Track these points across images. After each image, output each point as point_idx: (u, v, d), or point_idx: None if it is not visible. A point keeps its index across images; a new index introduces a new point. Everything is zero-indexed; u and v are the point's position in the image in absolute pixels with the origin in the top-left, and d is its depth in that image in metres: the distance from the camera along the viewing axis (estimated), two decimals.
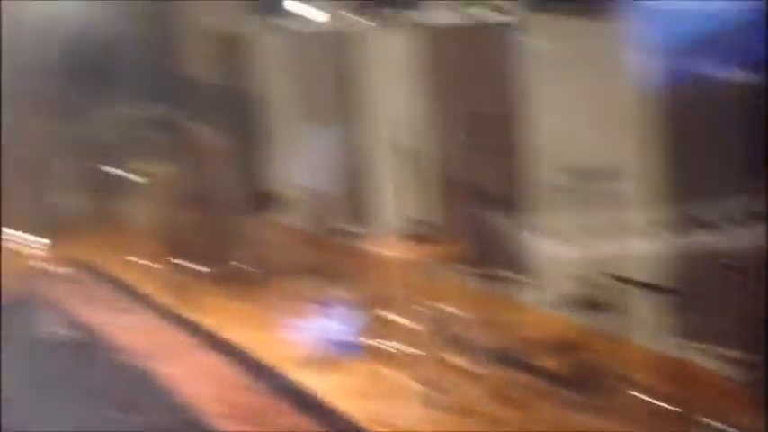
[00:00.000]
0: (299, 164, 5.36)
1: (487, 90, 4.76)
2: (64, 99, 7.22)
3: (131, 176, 6.75)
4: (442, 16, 4.80)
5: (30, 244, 6.56)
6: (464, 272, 4.51)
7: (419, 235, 4.22)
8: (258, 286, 5.39)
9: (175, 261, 5.51)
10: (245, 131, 6.96)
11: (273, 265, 5.58)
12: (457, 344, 4.12)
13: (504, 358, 4.04)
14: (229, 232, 5.69)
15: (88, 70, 7.19)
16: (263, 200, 5.96)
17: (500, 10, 4.42)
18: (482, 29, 4.56)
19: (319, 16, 6.29)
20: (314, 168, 5.06)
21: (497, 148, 4.69)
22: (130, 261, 6.13)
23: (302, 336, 4.43)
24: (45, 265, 6.12)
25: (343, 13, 6.02)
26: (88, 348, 4.80)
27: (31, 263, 6.28)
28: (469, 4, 4.52)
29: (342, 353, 4.29)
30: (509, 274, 4.72)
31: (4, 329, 4.76)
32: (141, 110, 6.58)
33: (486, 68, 4.78)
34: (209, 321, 4.96)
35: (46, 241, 6.57)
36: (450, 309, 4.26)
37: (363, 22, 5.79)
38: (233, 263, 5.57)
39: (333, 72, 6.10)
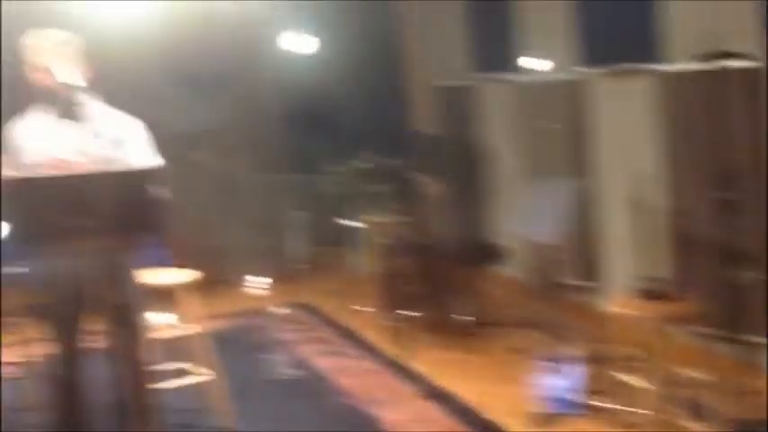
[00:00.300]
0: (524, 216, 5.26)
1: (734, 140, 4.45)
2: (295, 150, 7.57)
3: (354, 224, 6.99)
4: (684, 61, 4.58)
5: (255, 284, 6.90)
6: (703, 333, 4.22)
7: (653, 292, 4.00)
8: (477, 338, 5.33)
9: (394, 308, 5.57)
10: (469, 183, 6.99)
11: (493, 317, 5.51)
12: (692, 409, 3.83)
13: (746, 430, 3.69)
14: (449, 282, 5.68)
15: (317, 122, 7.52)
16: (484, 251, 5.93)
17: (745, 56, 4.16)
18: (728, 74, 4.29)
19: (546, 66, 6.26)
20: (539, 220, 4.94)
21: (745, 202, 4.36)
22: (350, 305, 6.28)
23: (523, 391, 4.30)
24: (269, 306, 6.41)
25: (571, 61, 5.95)
26: (313, 389, 4.91)
27: (257, 302, 6.59)
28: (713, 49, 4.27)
29: (565, 411, 4.11)
30: (756, 338, 4.34)
31: (231, 364, 4.96)
32: (366, 161, 6.77)
33: (732, 116, 4.48)
34: (426, 370, 4.94)
35: (269, 281, 6.90)
36: (685, 371, 3.98)
37: (593, 70, 5.67)
38: (452, 313, 5.55)
39: (561, 123, 5.99)
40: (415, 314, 5.50)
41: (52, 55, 3.29)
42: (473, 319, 5.47)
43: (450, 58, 7.52)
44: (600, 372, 4.31)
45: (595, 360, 4.39)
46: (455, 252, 5.76)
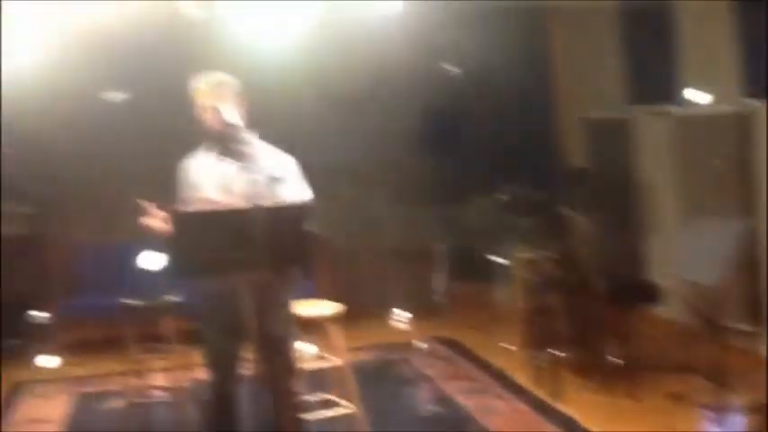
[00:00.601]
0: (684, 255, 4.99)
1: None
2: (439, 180, 7.53)
3: (500, 260, 6.86)
4: None
5: (398, 317, 6.90)
6: None
7: None
8: (630, 381, 5.07)
9: (541, 347, 5.39)
10: (622, 218, 6.73)
11: (649, 360, 5.23)
12: None
13: None
14: (600, 322, 5.46)
15: (462, 151, 7.45)
16: (639, 290, 5.65)
17: None
18: None
19: (707, 98, 5.96)
20: (701, 260, 4.67)
21: None
22: (495, 342, 6.13)
23: None
24: (412, 340, 6.38)
25: (734, 92, 5.65)
26: (456, 427, 4.80)
27: (400, 336, 6.58)
28: None
29: None
30: None
31: (373, 398, 4.93)
32: (512, 193, 6.64)
33: None
34: (575, 413, 4.74)
35: (411, 315, 6.87)
36: None
37: (756, 102, 5.36)
38: (603, 354, 5.31)
39: (726, 157, 5.67)
40: (564, 354, 5.30)
41: (217, 97, 3.52)
42: (626, 361, 5.22)
43: (605, 89, 7.30)
44: (764, 422, 3.99)
45: (759, 409, 4.09)
46: (607, 290, 5.52)
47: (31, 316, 6.42)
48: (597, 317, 5.44)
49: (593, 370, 5.24)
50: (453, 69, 6.78)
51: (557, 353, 5.32)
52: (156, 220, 3.35)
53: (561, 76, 7.63)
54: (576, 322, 5.49)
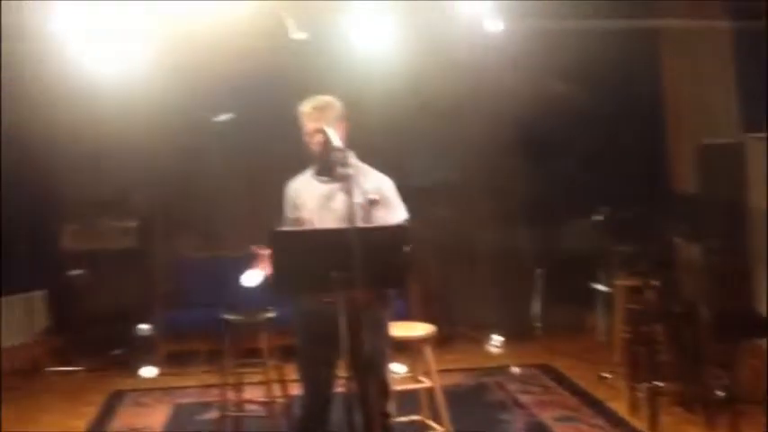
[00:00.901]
0: None
1: None
2: (540, 202, 7.42)
3: (601, 287, 6.69)
4: None
5: (492, 341, 6.81)
6: None
7: None
8: (735, 415, 4.85)
9: (641, 377, 5.22)
10: (732, 248, 6.44)
11: (750, 394, 4.98)
12: None
13: None
14: (704, 354, 5.25)
15: (567, 173, 7.31)
16: (747, 322, 5.41)
17: None
18: None
19: None
20: None
21: None
22: (592, 370, 6.01)
23: None
24: (506, 364, 6.28)
25: None
26: None
27: (493, 359, 6.50)
28: None
29: None
30: None
31: (464, 421, 4.87)
32: (617, 218, 6.48)
33: None
34: None
35: (503, 339, 6.77)
36: None
37: None
38: (707, 387, 5.10)
39: None
40: (665, 386, 5.11)
41: (320, 120, 3.61)
42: (729, 394, 4.99)
43: (720, 114, 7.01)
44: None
45: None
46: (712, 321, 5.31)
47: (134, 327, 6.63)
48: (701, 348, 5.24)
49: (694, 402, 5.05)
50: (558, 88, 6.66)
51: (657, 383, 5.14)
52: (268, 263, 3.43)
53: (673, 98, 7.39)
54: (679, 352, 5.30)
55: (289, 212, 3.78)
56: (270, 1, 5.27)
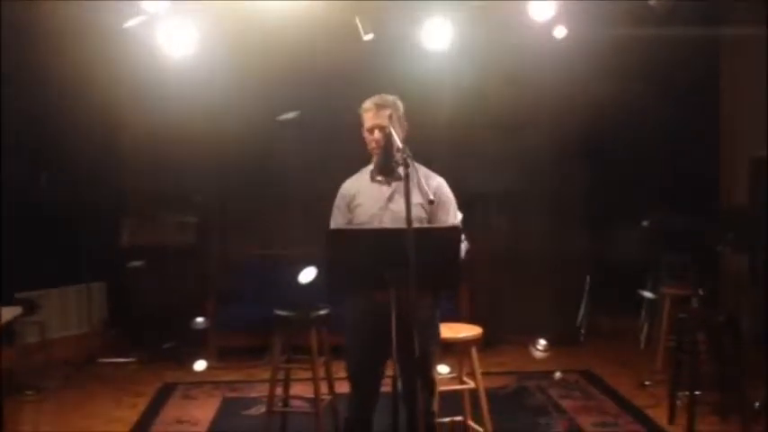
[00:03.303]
0: None
1: None
2: (592, 209, 7.43)
3: (648, 294, 6.68)
4: None
5: (537, 345, 6.84)
6: None
7: None
8: None
9: (684, 387, 5.22)
10: None
11: None
12: None
13: None
14: (743, 364, 5.23)
15: (618, 182, 7.29)
16: None
17: None
18: None
19: None
20: None
21: None
22: (635, 378, 6.03)
23: None
24: (550, 369, 6.32)
25: None
26: None
27: (537, 364, 6.53)
28: None
29: None
30: None
31: (506, 424, 4.92)
32: (667, 228, 6.46)
33: None
34: None
35: (548, 343, 6.79)
36: None
37: None
38: (750, 398, 5.09)
39: None
40: (704, 395, 5.12)
41: (382, 119, 3.63)
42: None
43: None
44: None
45: None
46: (758, 333, 5.29)
47: (188, 321, 6.77)
48: (741, 358, 5.23)
49: (738, 413, 5.04)
50: (616, 95, 6.64)
51: (697, 392, 5.15)
52: None
53: (729, 108, 7.32)
54: (721, 363, 5.29)
55: (340, 213, 3.77)
56: (341, 1, 5.32)
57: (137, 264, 6.87)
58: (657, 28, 5.87)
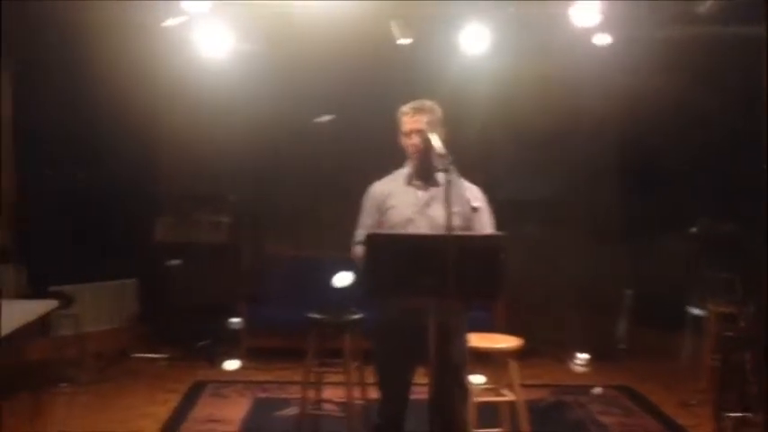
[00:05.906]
0: None
1: None
2: (631, 216, 7.25)
3: (694, 311, 6.50)
4: None
5: (575, 359, 6.70)
6: None
7: None
8: None
9: (729, 407, 5.06)
10: None
11: None
12: None
13: None
14: None
15: (664, 194, 7.12)
16: None
17: None
18: None
19: None
20: None
21: None
22: (675, 395, 5.90)
23: None
24: (588, 384, 6.18)
25: None
26: None
27: (575, 378, 6.39)
28: None
29: None
30: None
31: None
32: (714, 239, 6.28)
33: None
34: None
35: (588, 358, 6.65)
36: None
37: None
38: None
39: None
40: (754, 417, 4.94)
41: (421, 123, 3.59)
42: None
43: None
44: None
45: None
46: None
47: (220, 319, 6.77)
48: None
49: None
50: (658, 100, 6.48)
51: (742, 413, 4.98)
52: None
53: None
54: (766, 383, 5.12)
55: (369, 215, 3.71)
56: (378, 1, 5.28)
57: (175, 262, 6.89)
58: (703, 28, 5.72)
